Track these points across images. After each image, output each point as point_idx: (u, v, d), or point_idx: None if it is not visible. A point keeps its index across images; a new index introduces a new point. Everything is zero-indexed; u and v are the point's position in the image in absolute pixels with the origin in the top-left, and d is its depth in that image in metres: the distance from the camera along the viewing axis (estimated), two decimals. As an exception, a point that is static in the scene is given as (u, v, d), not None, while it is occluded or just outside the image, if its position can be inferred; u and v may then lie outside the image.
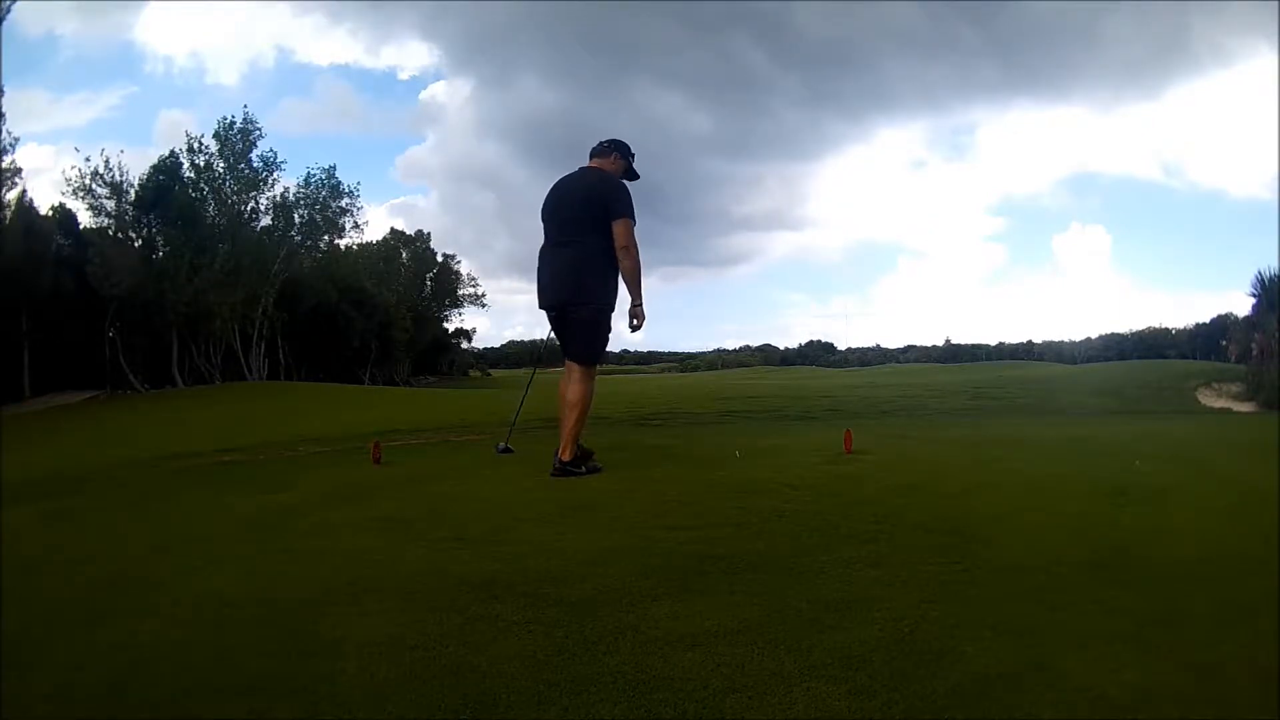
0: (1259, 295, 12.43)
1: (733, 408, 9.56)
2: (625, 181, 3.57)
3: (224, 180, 26.00)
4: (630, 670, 1.33)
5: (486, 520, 2.51)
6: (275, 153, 27.30)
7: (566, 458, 3.31)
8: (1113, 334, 61.00)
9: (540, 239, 3.58)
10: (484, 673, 1.33)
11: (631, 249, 3.39)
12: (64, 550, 2.34)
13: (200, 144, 25.44)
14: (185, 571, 2.01)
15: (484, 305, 48.77)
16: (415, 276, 44.32)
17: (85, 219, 23.16)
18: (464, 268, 47.27)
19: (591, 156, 3.62)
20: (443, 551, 2.11)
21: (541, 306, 3.55)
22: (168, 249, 23.70)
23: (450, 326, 47.68)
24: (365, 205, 50.53)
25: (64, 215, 22.84)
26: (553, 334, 3.62)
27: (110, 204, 23.20)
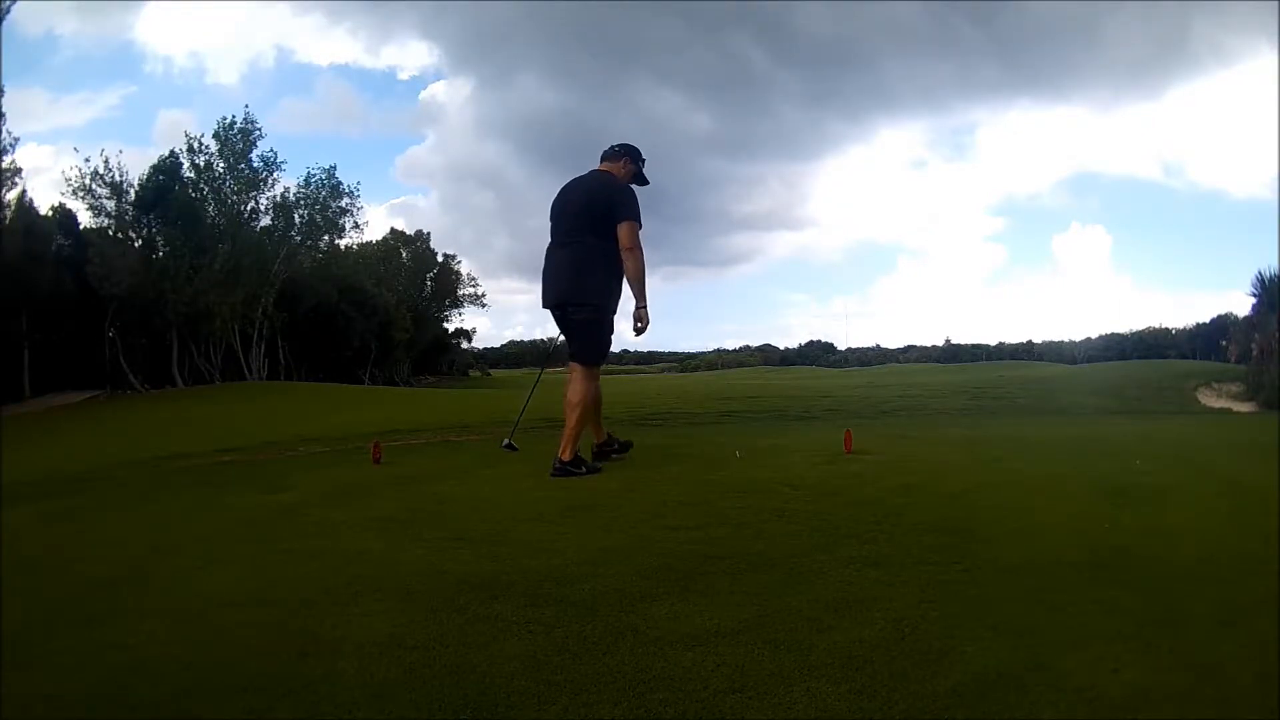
0: (1259, 295, 12.46)
1: (733, 408, 9.57)
2: (634, 186, 3.60)
3: (224, 180, 25.96)
4: (630, 670, 1.33)
5: (486, 520, 2.51)
6: (275, 153, 27.27)
7: (566, 457, 3.31)
8: (1113, 334, 60.88)
9: (545, 239, 3.62)
10: (484, 673, 1.33)
11: (635, 251, 3.41)
12: (64, 550, 2.34)
13: (200, 144, 25.43)
14: (185, 571, 2.01)
15: (484, 305, 48.80)
16: (415, 276, 44.27)
17: (85, 219, 23.16)
18: (464, 268, 47.22)
19: (602, 160, 3.65)
20: (443, 551, 2.11)
21: (545, 306, 3.59)
22: (168, 249, 23.65)
23: (450, 326, 47.67)
24: (365, 205, 50.46)
25: (64, 215, 22.81)
26: (561, 334, 3.66)
27: (110, 204, 23.17)
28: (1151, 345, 50.08)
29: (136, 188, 23.43)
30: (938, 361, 63.53)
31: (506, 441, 4.09)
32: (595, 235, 3.42)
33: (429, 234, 45.64)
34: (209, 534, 2.46)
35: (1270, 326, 11.43)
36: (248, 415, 11.92)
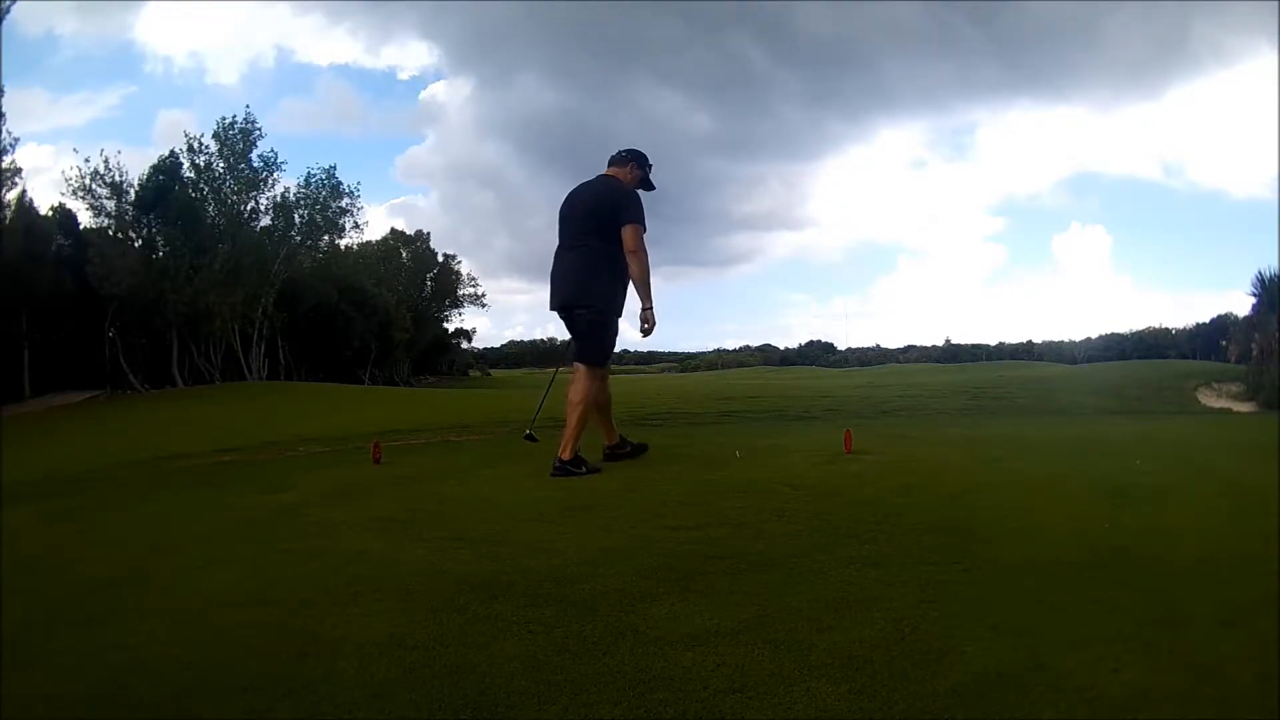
0: (1259, 295, 12.47)
1: (733, 408, 9.57)
2: (640, 191, 3.63)
3: (224, 180, 25.95)
4: (630, 670, 1.33)
5: (486, 520, 2.51)
6: (275, 153, 27.24)
7: (567, 456, 3.32)
8: (1113, 334, 60.87)
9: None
10: (484, 673, 1.33)
11: (640, 253, 3.44)
12: (64, 550, 2.34)
13: (200, 144, 25.41)
14: (185, 571, 2.01)
15: (484, 305, 48.79)
16: (415, 276, 44.26)
17: (85, 219, 23.15)
18: (464, 268, 47.21)
19: (609, 165, 3.68)
20: (443, 551, 2.11)
21: (552, 308, 3.63)
22: (168, 249, 23.64)
23: (450, 326, 47.67)
24: (365, 205, 50.48)
25: (64, 215, 22.80)
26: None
27: (110, 204, 23.17)
28: (1151, 345, 50.08)
29: (136, 188, 23.44)
30: (938, 361, 63.54)
31: (528, 432, 4.11)
32: (600, 238, 3.45)
33: (429, 234, 45.71)
34: (209, 534, 2.46)
35: (1270, 326, 11.44)
36: (248, 415, 11.92)
